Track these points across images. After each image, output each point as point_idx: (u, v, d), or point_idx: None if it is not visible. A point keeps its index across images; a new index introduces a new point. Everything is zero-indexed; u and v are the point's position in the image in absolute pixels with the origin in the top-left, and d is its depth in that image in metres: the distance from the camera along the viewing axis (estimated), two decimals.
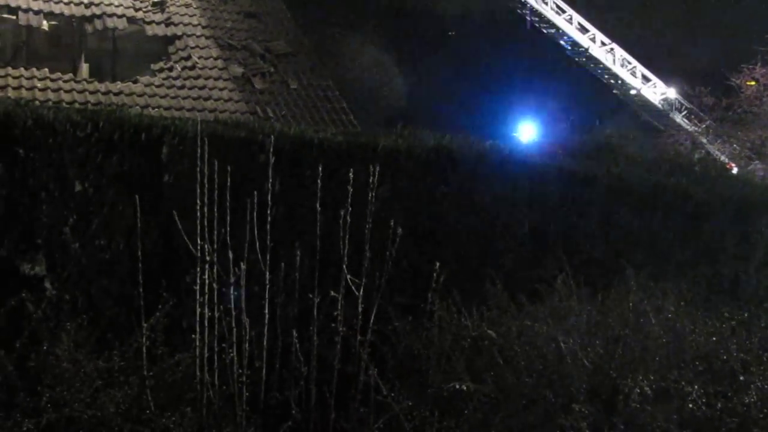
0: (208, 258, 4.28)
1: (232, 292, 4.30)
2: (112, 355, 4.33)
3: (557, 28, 26.12)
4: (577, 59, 26.96)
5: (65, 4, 13.91)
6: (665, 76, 26.52)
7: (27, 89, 12.16)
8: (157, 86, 13.10)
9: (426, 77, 26.45)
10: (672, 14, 29.60)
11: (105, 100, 12.25)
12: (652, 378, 4.53)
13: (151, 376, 4.22)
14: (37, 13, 13.54)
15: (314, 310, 4.44)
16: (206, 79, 13.62)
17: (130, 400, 4.07)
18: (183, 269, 4.92)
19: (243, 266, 4.25)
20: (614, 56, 26.25)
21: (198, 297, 4.24)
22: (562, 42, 26.70)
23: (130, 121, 5.25)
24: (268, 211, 4.39)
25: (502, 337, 5.02)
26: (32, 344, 4.32)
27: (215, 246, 4.29)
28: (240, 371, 4.24)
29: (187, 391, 4.28)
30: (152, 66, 13.55)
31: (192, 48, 14.12)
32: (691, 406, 4.43)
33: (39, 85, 12.37)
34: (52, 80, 12.57)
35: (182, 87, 13.29)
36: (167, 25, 14.34)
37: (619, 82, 26.70)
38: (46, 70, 12.72)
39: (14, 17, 13.52)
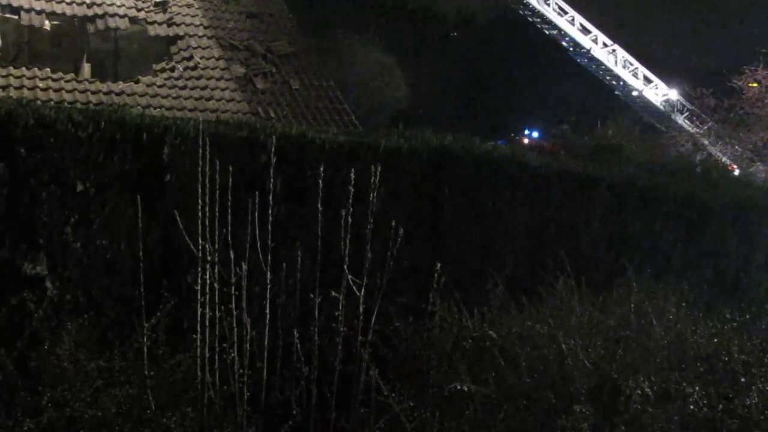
0: (209, 258, 4.28)
1: (233, 292, 4.30)
2: (112, 355, 4.34)
3: (559, 29, 26.12)
4: (578, 60, 26.95)
5: (67, 4, 13.92)
6: (667, 77, 26.51)
7: (29, 89, 12.17)
8: (159, 86, 13.10)
9: (428, 78, 26.45)
10: (674, 16, 29.58)
11: (107, 100, 12.25)
12: (653, 379, 4.53)
13: (152, 376, 4.22)
14: (39, 12, 13.55)
15: (315, 310, 4.44)
16: (208, 79, 13.62)
17: (130, 399, 4.08)
18: (184, 269, 4.93)
19: (244, 266, 4.25)
20: (616, 57, 26.25)
21: (199, 297, 4.24)
22: (564, 43, 26.70)
23: (131, 121, 5.26)
24: (270, 211, 4.38)
25: (503, 337, 5.02)
26: (33, 344, 4.33)
27: (216, 246, 4.29)
28: (241, 371, 4.24)
29: (188, 391, 4.28)
30: (154, 66, 13.55)
31: (194, 48, 14.12)
32: (692, 407, 4.42)
33: (41, 84, 12.37)
34: (54, 80, 12.58)
35: (184, 87, 13.29)
36: (169, 26, 14.34)
37: (621, 83, 26.71)
38: (48, 69, 12.73)
39: (16, 17, 13.53)
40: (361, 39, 22.78)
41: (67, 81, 12.66)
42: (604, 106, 26.47)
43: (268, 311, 4.34)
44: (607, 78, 26.94)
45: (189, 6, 14.99)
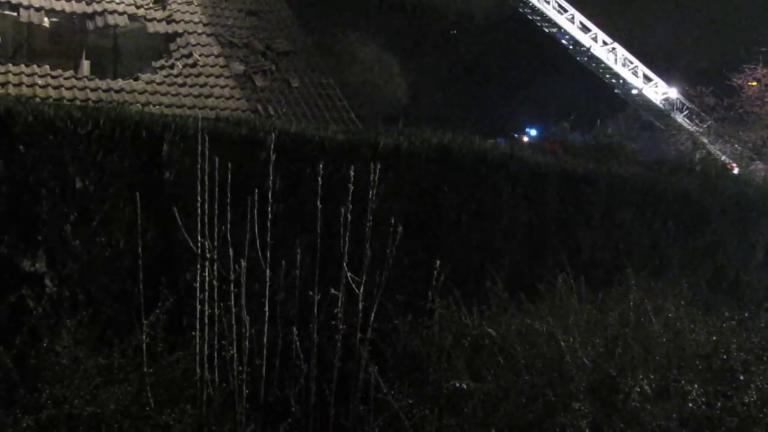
0: (208, 255, 4.28)
1: (232, 289, 4.30)
2: (111, 352, 4.34)
3: (559, 27, 26.10)
4: (578, 58, 26.94)
5: (66, 0, 13.90)
6: (667, 75, 26.51)
7: (28, 86, 12.15)
8: (158, 84, 13.09)
9: (427, 76, 26.43)
10: (674, 14, 29.58)
11: (106, 98, 12.23)
12: (652, 377, 4.53)
13: (151, 373, 4.22)
14: (38, 9, 13.52)
15: (314, 308, 4.44)
16: (207, 76, 13.60)
17: (129, 397, 4.08)
18: (183, 267, 4.93)
19: (243, 264, 4.25)
20: (616, 56, 26.24)
21: (198, 294, 4.24)
22: (563, 41, 26.69)
23: (130, 119, 5.25)
24: (269, 209, 4.38)
25: (502, 335, 5.03)
26: (32, 341, 4.33)
27: (216, 243, 4.29)
28: (240, 368, 4.24)
29: (186, 388, 4.28)
30: (153, 63, 13.53)
31: (193, 45, 14.10)
32: (691, 405, 4.43)
33: (40, 82, 12.35)
34: (53, 77, 12.56)
35: (183, 84, 13.27)
36: (168, 23, 14.32)
37: (621, 81, 26.69)
38: (47, 67, 12.71)
39: (15, 14, 13.50)
40: (360, 37, 22.76)
41: (66, 78, 12.64)
42: (604, 104, 26.48)
43: (267, 309, 4.34)
44: (607, 76, 26.92)
45: (188, 3, 14.96)
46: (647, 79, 26.45)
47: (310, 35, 16.41)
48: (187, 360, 4.34)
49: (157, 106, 12.25)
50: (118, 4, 14.16)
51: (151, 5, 14.47)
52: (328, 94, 14.24)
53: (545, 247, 6.88)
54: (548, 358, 4.76)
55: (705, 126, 24.08)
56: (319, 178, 4.55)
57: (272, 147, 4.60)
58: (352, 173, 4.46)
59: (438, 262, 4.79)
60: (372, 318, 4.49)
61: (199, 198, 4.27)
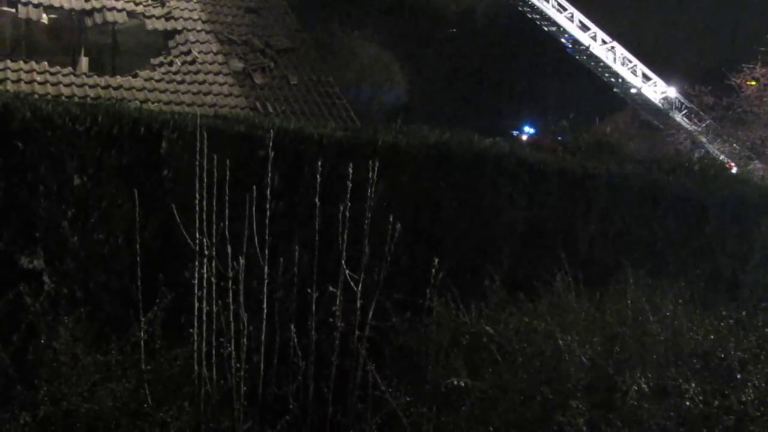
0: (206, 252, 4.27)
1: (230, 287, 4.30)
2: (109, 349, 4.33)
3: (558, 26, 26.10)
4: (577, 57, 26.94)
5: None
6: (665, 75, 26.52)
7: (26, 83, 12.13)
8: (157, 81, 13.07)
9: (426, 74, 26.42)
10: (673, 13, 29.58)
11: (104, 94, 12.22)
12: (649, 375, 4.54)
13: (149, 370, 4.22)
14: (36, 6, 13.50)
15: (313, 306, 4.44)
16: (206, 73, 13.59)
17: (127, 394, 4.08)
18: (181, 264, 4.92)
19: (242, 261, 4.25)
20: (615, 54, 26.25)
21: (196, 291, 4.24)
22: (563, 40, 26.69)
23: (129, 115, 5.25)
24: (267, 206, 4.38)
25: (500, 333, 5.03)
26: (30, 338, 4.32)
27: (214, 240, 4.29)
28: (238, 366, 4.24)
29: (185, 385, 4.28)
30: (152, 60, 13.51)
31: (192, 42, 14.08)
32: (688, 403, 4.43)
33: (38, 78, 12.34)
34: (52, 74, 12.54)
35: (182, 82, 13.26)
36: (167, 20, 14.30)
37: (620, 80, 26.70)
38: (46, 63, 12.69)
39: (13, 10, 13.48)
40: (359, 34, 22.75)
41: (64, 75, 12.62)
42: (603, 103, 26.49)
43: (265, 306, 4.34)
44: (606, 75, 26.93)
45: (187, 0, 14.95)
46: (646, 78, 26.47)
47: (310, 33, 16.40)
48: (185, 357, 4.34)
49: (156, 103, 12.24)
50: (116, 0, 14.15)
51: (150, 2, 14.45)
52: (327, 91, 14.24)
53: (544, 245, 6.88)
54: (546, 357, 4.76)
55: (703, 125, 24.11)
56: (318, 176, 4.55)
57: (271, 144, 4.60)
58: (350, 171, 4.45)
59: (436, 260, 4.79)
60: (370, 316, 4.49)
61: (197, 195, 4.26)
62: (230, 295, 4.26)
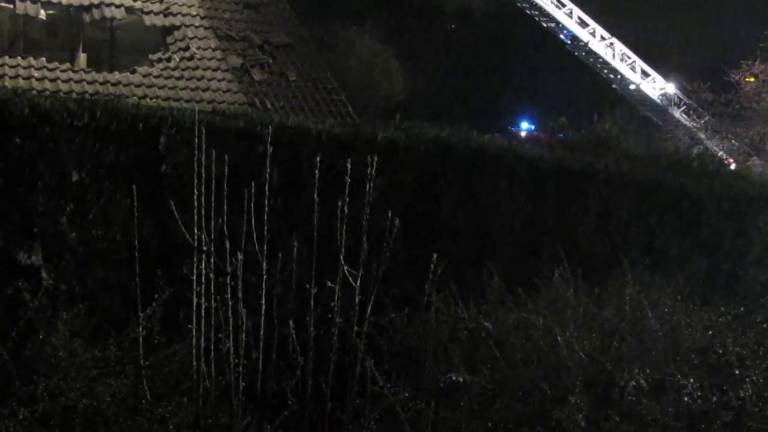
0: (205, 248, 4.27)
1: (229, 282, 4.29)
2: (108, 345, 4.33)
3: (557, 22, 26.05)
4: (576, 53, 26.91)
5: None
6: (664, 71, 26.50)
7: (24, 78, 12.11)
8: (155, 77, 13.05)
9: (425, 70, 26.39)
10: (672, 9, 29.55)
11: (103, 90, 12.20)
12: (647, 371, 4.54)
13: (148, 365, 4.22)
14: (34, 2, 13.46)
15: (311, 301, 4.44)
16: (204, 69, 13.57)
17: (126, 389, 4.08)
18: (180, 259, 4.92)
19: (240, 256, 4.25)
20: (614, 51, 26.21)
21: (195, 287, 4.24)
22: (561, 36, 26.65)
23: (127, 111, 5.24)
24: (266, 202, 4.37)
25: (498, 329, 5.03)
26: (28, 333, 4.32)
27: (212, 236, 4.28)
28: (236, 361, 4.24)
29: (183, 381, 4.28)
30: (150, 56, 13.49)
31: (190, 38, 14.06)
32: (686, 399, 4.44)
33: (36, 74, 12.31)
34: (50, 70, 12.52)
35: (180, 78, 13.23)
36: (166, 16, 14.27)
37: (619, 76, 26.67)
38: (44, 59, 12.66)
39: (11, 6, 13.45)
40: (358, 30, 22.69)
41: (62, 71, 12.60)
42: (602, 99, 26.45)
43: (263, 301, 4.34)
44: (605, 71, 26.90)
45: None
46: (645, 74, 26.43)
47: (308, 29, 16.36)
48: (184, 353, 4.34)
49: (154, 99, 12.21)
50: None
51: None
52: (325, 87, 14.22)
53: (542, 241, 6.89)
54: (545, 352, 4.77)
55: (702, 122, 24.09)
56: (316, 172, 4.55)
57: (269, 140, 4.59)
58: (349, 167, 4.45)
59: (435, 256, 4.79)
60: (369, 311, 4.49)
61: (195, 191, 4.26)
62: (229, 290, 4.26)
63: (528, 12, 26.28)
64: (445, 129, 6.88)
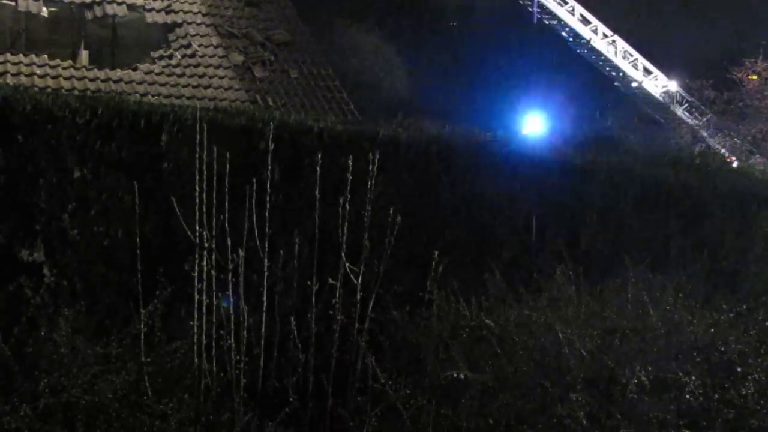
0: (206, 245, 4.27)
1: (230, 279, 4.29)
2: (109, 342, 4.34)
3: (559, 20, 26.01)
4: (578, 51, 26.86)
5: None
6: (666, 68, 26.44)
7: (26, 76, 12.11)
8: (157, 74, 13.04)
9: (427, 68, 26.37)
10: (674, 7, 29.48)
11: (104, 88, 12.19)
12: (649, 369, 4.54)
13: (149, 362, 4.22)
14: None
15: (312, 298, 4.44)
16: (206, 67, 13.55)
17: (127, 386, 4.08)
18: (181, 256, 4.92)
19: (242, 253, 4.25)
20: (616, 48, 26.16)
21: (196, 284, 4.24)
22: (563, 33, 26.60)
23: (129, 108, 5.24)
24: (267, 199, 4.37)
25: (500, 326, 5.03)
26: (30, 330, 4.32)
27: (214, 233, 4.28)
28: (238, 358, 4.24)
29: (184, 377, 4.29)
30: (152, 53, 13.48)
31: (192, 36, 14.04)
32: (688, 397, 4.44)
33: (38, 71, 12.31)
34: (52, 67, 12.51)
35: (182, 75, 13.23)
36: (167, 13, 14.26)
37: (621, 74, 26.62)
38: (46, 56, 12.66)
39: (13, 3, 13.44)
40: (360, 28, 22.68)
41: (64, 68, 12.60)
42: (604, 97, 26.42)
43: (265, 298, 4.34)
44: (607, 69, 26.86)
45: None
46: (647, 71, 26.38)
47: (310, 26, 16.35)
48: (185, 349, 4.34)
49: (156, 97, 12.20)
50: None
51: None
52: (327, 85, 14.20)
53: (544, 238, 6.88)
54: (546, 350, 4.77)
55: (705, 119, 24.06)
56: (318, 169, 4.54)
57: (271, 137, 4.59)
58: (350, 164, 4.45)
59: (436, 253, 4.79)
60: (370, 309, 4.49)
61: (197, 188, 4.26)
62: (230, 287, 4.26)
63: (530, 9, 26.24)
64: (447, 127, 6.87)
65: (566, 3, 25.78)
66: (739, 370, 4.76)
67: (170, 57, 13.45)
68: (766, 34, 21.55)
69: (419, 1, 26.99)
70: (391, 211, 4.44)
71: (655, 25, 28.69)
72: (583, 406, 4.28)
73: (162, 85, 12.92)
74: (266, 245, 4.35)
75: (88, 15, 13.81)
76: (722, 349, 4.96)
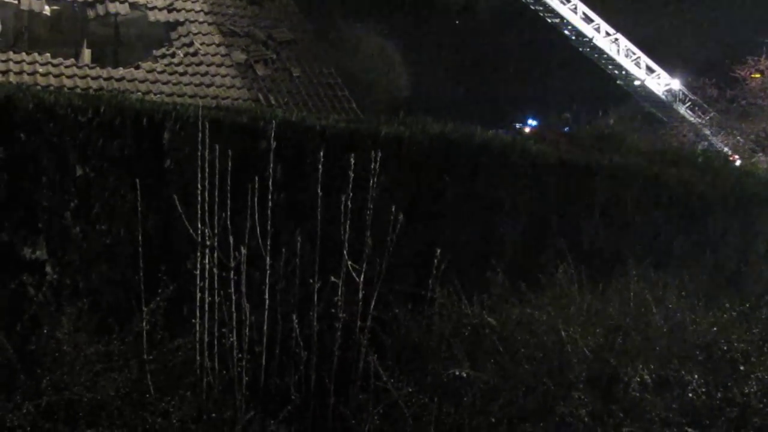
0: (208, 243, 4.27)
1: (232, 277, 4.29)
2: (112, 339, 4.34)
3: (561, 18, 25.97)
4: (581, 49, 26.82)
5: None
6: (669, 67, 26.40)
7: (29, 74, 12.12)
8: (159, 72, 13.05)
9: (429, 66, 26.35)
10: (677, 4, 29.41)
11: (107, 86, 12.21)
12: (652, 367, 4.53)
13: (151, 360, 4.23)
14: None
15: (314, 296, 4.44)
16: (208, 65, 13.57)
17: (129, 383, 4.08)
18: (184, 254, 4.92)
19: (244, 251, 4.25)
20: (618, 46, 26.11)
21: (198, 282, 4.24)
22: (566, 32, 26.56)
23: (131, 106, 5.24)
24: (269, 197, 4.37)
25: (502, 324, 5.02)
26: (33, 327, 4.33)
27: (216, 231, 4.29)
28: (240, 356, 4.25)
29: (187, 375, 4.29)
30: (154, 52, 13.49)
31: (194, 34, 14.05)
32: (690, 395, 4.43)
33: (41, 70, 12.33)
34: (54, 65, 12.53)
35: (184, 73, 13.24)
36: (169, 11, 14.27)
37: (623, 72, 26.59)
38: (48, 55, 12.68)
39: (16, 2, 13.46)
40: (362, 26, 22.66)
41: (66, 66, 12.61)
42: (606, 95, 26.38)
43: (267, 297, 4.34)
44: (609, 67, 26.82)
45: None
46: (650, 70, 26.34)
47: (312, 24, 16.35)
48: (187, 347, 4.35)
49: (158, 95, 12.23)
50: None
51: None
52: (329, 83, 14.21)
53: (546, 237, 6.87)
54: (548, 348, 4.76)
55: (707, 118, 24.00)
56: (320, 167, 4.54)
57: (273, 135, 4.59)
58: (352, 162, 4.44)
59: (438, 251, 4.78)
60: (372, 307, 4.49)
61: (199, 186, 4.26)
62: (232, 285, 4.26)
63: (532, 7, 26.20)
64: (449, 124, 6.86)
65: (569, 1, 25.73)
66: (742, 368, 4.75)
67: (172, 55, 13.46)
68: None
69: None
70: (393, 209, 4.44)
71: (658, 23, 28.64)
72: (586, 405, 4.28)
73: (164, 83, 12.93)
74: (268, 243, 4.35)
75: (91, 13, 13.83)
76: (725, 347, 4.95)
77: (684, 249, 7.88)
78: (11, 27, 14.00)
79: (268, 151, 4.56)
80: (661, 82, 26.31)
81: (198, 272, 4.25)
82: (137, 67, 13.01)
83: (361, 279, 4.42)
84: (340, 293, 4.44)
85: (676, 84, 26.09)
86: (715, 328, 5.16)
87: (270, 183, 4.42)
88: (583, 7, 25.84)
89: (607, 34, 26.06)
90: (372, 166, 4.50)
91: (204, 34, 14.18)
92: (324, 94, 13.89)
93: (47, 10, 13.73)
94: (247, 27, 14.76)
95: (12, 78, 11.70)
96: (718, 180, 8.62)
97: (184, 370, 4.31)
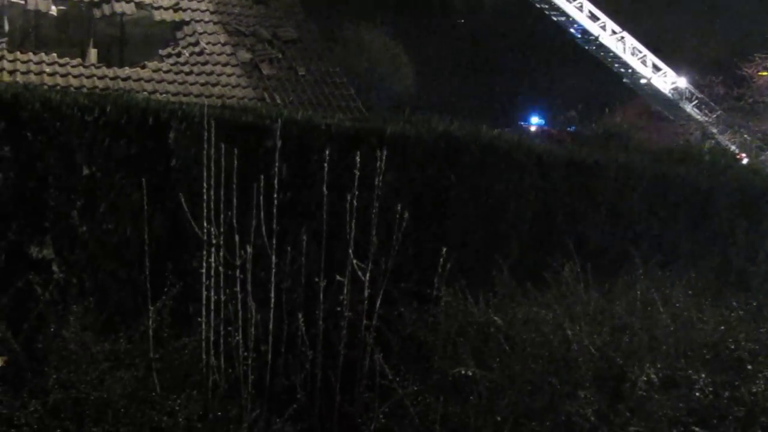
0: (214, 242, 4.28)
1: (238, 276, 4.30)
2: (118, 338, 4.35)
3: (567, 16, 25.90)
4: (587, 47, 26.75)
5: None
6: (676, 65, 26.30)
7: (35, 74, 12.18)
8: (165, 72, 13.09)
9: (434, 64, 26.34)
10: (683, 3, 29.29)
11: (113, 85, 12.24)
12: (658, 366, 4.52)
13: (157, 358, 4.23)
14: None
15: (320, 295, 4.44)
16: (214, 64, 13.59)
17: (136, 382, 4.09)
18: (190, 253, 4.93)
19: (249, 250, 4.25)
20: (625, 45, 26.03)
21: (204, 281, 4.25)
22: (572, 30, 26.49)
23: (137, 106, 5.24)
24: (275, 196, 4.38)
25: (508, 323, 5.01)
26: (40, 326, 4.34)
27: (222, 230, 4.29)
28: (246, 355, 4.25)
29: (193, 373, 4.29)
30: (160, 51, 13.53)
31: (200, 34, 14.08)
32: (697, 394, 4.41)
33: (47, 69, 12.38)
34: (61, 65, 12.58)
35: (190, 73, 13.27)
36: (175, 11, 14.30)
37: (630, 71, 26.50)
38: (55, 55, 12.73)
39: (23, 2, 13.51)
40: (367, 25, 22.66)
41: (73, 66, 12.66)
42: (612, 94, 26.30)
43: (273, 295, 4.34)
44: (616, 65, 26.74)
45: None
46: (656, 68, 26.25)
47: (317, 23, 16.36)
48: (193, 346, 4.35)
49: (164, 94, 12.26)
50: None
51: None
52: (334, 82, 14.21)
53: (552, 235, 6.86)
54: (554, 347, 4.75)
55: (714, 116, 23.91)
56: (326, 166, 4.54)
57: (278, 134, 4.59)
58: (358, 160, 4.44)
59: (444, 250, 4.78)
60: (378, 305, 4.49)
61: (205, 185, 4.26)
62: (238, 284, 4.27)
63: (538, 6, 26.14)
64: (455, 123, 6.85)
65: None
66: (749, 367, 4.72)
67: (178, 55, 13.49)
68: None
69: None
70: (398, 208, 4.43)
71: (664, 21, 28.53)
72: (592, 404, 4.26)
73: (170, 82, 12.96)
74: (274, 242, 4.35)
75: (97, 13, 13.87)
76: (732, 346, 4.93)
77: (691, 247, 7.86)
78: (18, 27, 14.06)
79: (273, 149, 4.56)
80: (667, 80, 26.22)
81: (204, 271, 4.26)
82: (143, 67, 13.05)
83: (367, 277, 4.42)
84: (345, 292, 4.43)
85: (682, 82, 25.99)
86: (722, 327, 5.14)
87: (276, 181, 4.42)
88: (588, 5, 25.76)
89: (613, 32, 25.98)
90: (377, 165, 4.49)
91: (209, 34, 14.20)
92: (329, 92, 13.90)
93: (54, 10, 13.78)
94: (252, 26, 14.78)
95: (19, 78, 11.75)
96: (724, 178, 8.59)
97: (190, 369, 4.32)
